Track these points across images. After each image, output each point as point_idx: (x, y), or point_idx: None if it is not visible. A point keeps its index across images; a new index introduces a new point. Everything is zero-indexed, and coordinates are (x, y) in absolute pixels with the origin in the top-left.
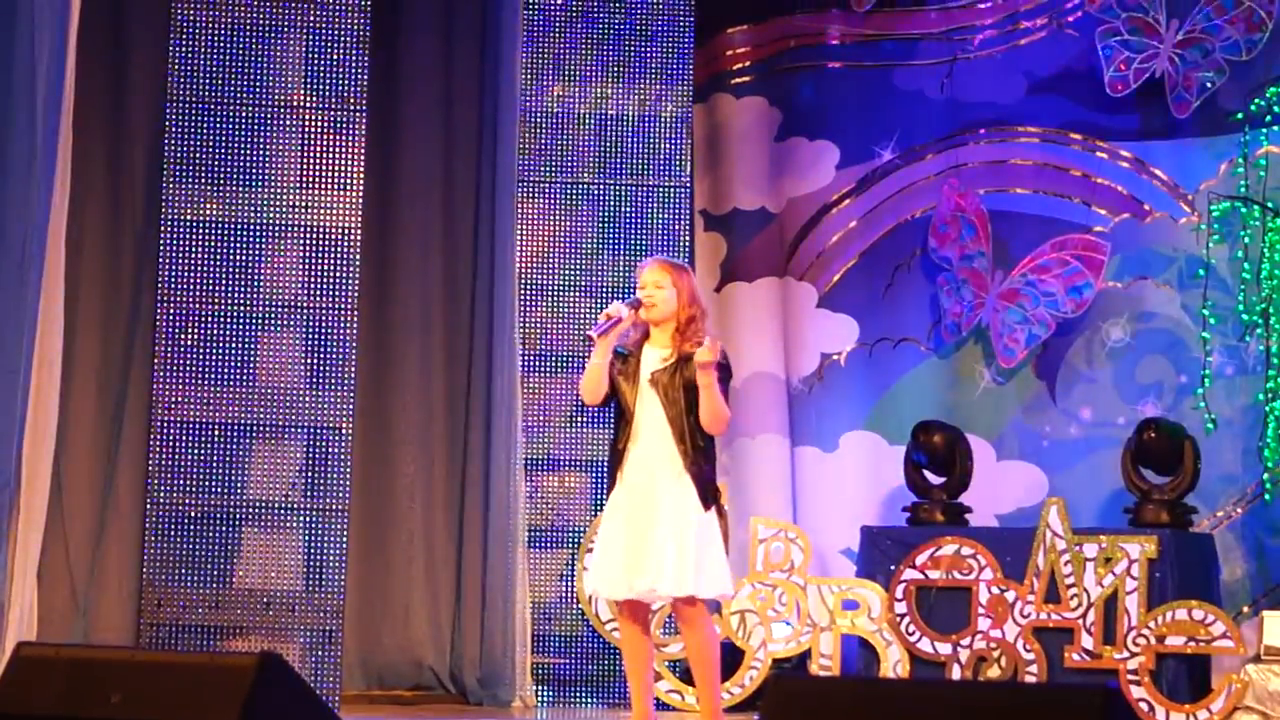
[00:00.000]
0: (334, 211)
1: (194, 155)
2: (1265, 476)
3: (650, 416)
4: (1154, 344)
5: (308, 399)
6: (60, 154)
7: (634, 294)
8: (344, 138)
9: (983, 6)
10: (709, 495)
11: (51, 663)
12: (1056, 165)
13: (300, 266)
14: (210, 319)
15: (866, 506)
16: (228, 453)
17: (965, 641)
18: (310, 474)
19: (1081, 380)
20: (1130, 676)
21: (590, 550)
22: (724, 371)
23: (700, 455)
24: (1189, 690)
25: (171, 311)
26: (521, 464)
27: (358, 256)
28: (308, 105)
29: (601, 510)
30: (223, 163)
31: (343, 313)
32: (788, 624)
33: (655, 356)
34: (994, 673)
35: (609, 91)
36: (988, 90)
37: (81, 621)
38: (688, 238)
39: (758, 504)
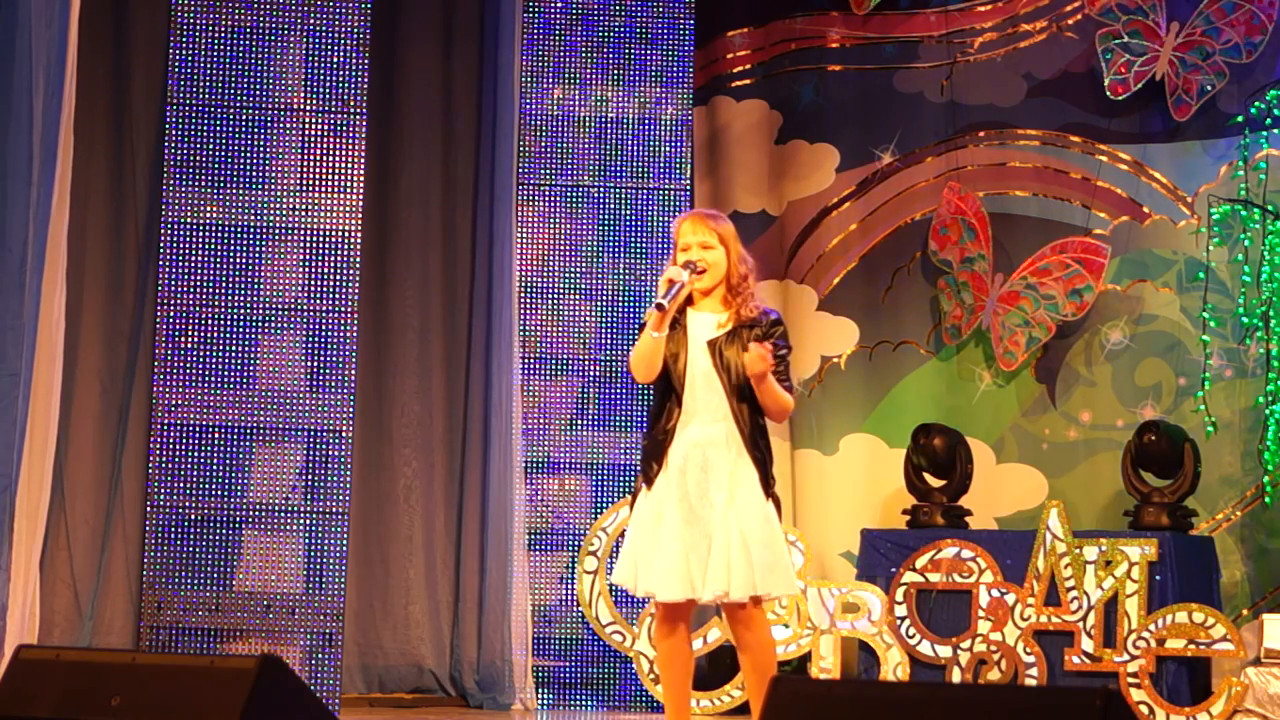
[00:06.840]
0: (334, 214)
1: (194, 158)
2: (1265, 479)
3: (705, 391)
4: (1153, 347)
5: (308, 402)
6: (61, 156)
7: (675, 258)
8: (344, 141)
9: (983, 9)
10: (769, 480)
11: (51, 666)
12: (1056, 168)
13: (300, 269)
14: (210, 322)
15: (866, 509)
16: (228, 455)
17: (965, 644)
18: (310, 477)
19: (1081, 383)
20: (1130, 679)
21: (594, 548)
22: (785, 352)
23: (760, 434)
24: (1189, 693)
25: (172, 314)
26: (521, 467)
27: (358, 259)
28: (308, 108)
29: (602, 509)
30: (223, 166)
31: (343, 315)
32: (787, 627)
33: (709, 323)
34: (994, 675)
35: (609, 94)
36: (988, 93)
37: (84, 625)
38: None
39: None
